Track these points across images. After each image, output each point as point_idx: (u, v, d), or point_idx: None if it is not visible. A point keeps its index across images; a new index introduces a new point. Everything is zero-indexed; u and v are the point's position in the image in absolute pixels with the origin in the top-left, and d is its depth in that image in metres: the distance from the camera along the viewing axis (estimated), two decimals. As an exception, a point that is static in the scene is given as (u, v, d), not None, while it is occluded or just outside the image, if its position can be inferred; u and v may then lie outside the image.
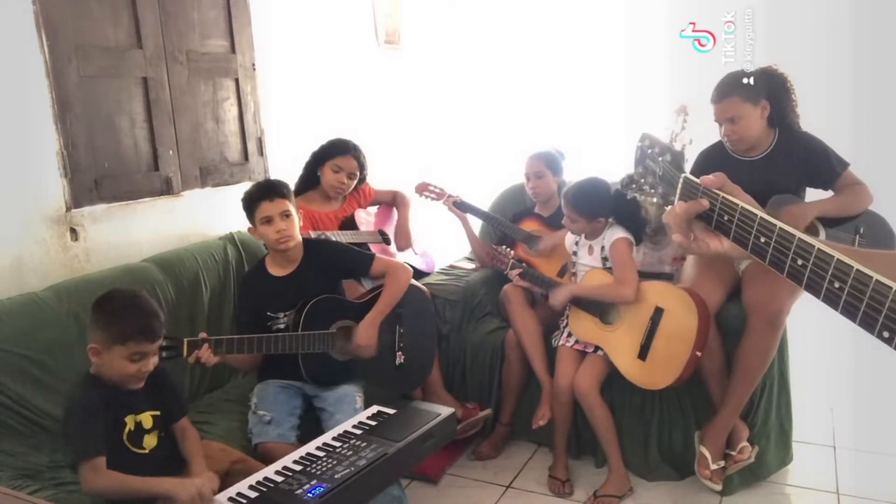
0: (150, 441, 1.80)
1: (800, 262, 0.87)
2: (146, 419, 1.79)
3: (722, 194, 1.00)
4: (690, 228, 1.05)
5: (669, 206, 1.11)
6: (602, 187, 2.55)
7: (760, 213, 0.94)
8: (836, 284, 0.82)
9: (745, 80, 2.39)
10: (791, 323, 2.41)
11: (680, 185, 1.08)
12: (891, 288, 0.77)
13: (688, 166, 1.18)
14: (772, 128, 2.50)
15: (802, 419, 2.68)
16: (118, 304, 1.75)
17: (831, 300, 0.83)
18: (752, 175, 2.49)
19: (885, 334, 0.78)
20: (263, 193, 2.26)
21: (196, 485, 1.63)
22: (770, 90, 2.44)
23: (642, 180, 1.21)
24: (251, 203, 2.27)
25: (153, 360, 1.77)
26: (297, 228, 2.29)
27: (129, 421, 1.76)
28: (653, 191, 1.18)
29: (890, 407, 2.99)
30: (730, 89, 2.40)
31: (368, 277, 2.52)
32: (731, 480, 2.45)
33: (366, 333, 2.29)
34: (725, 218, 0.99)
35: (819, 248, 0.84)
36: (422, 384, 2.74)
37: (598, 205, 2.53)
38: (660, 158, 1.16)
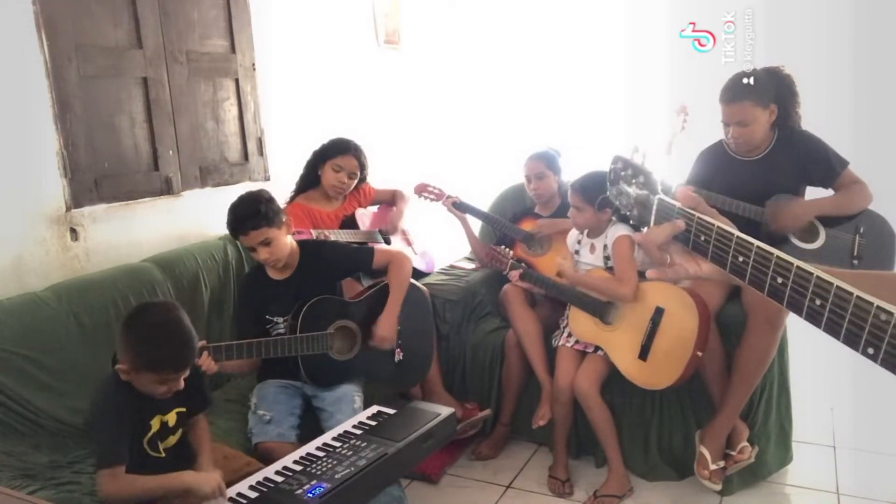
0: (169, 441, 1.78)
1: (780, 280, 0.86)
2: (172, 417, 1.77)
3: (698, 214, 1.00)
4: (667, 251, 1.04)
5: (645, 228, 1.11)
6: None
7: (737, 233, 0.93)
8: (818, 302, 0.81)
9: (745, 81, 2.39)
10: (791, 323, 2.41)
11: (655, 207, 1.07)
12: (872, 304, 0.76)
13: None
14: (772, 128, 2.50)
15: (802, 419, 2.68)
16: (149, 329, 1.64)
17: (813, 318, 0.83)
18: (751, 175, 2.49)
19: (870, 350, 0.77)
20: (236, 230, 2.21)
21: (217, 478, 1.62)
22: (778, 93, 2.44)
23: (617, 202, 1.20)
24: (232, 234, 2.27)
25: (184, 378, 1.71)
26: (282, 246, 2.24)
27: (156, 422, 1.73)
28: (628, 213, 1.17)
29: (890, 407, 2.99)
30: (742, 92, 2.39)
31: (371, 271, 2.52)
32: (730, 480, 2.45)
33: (386, 325, 2.32)
34: (702, 238, 0.98)
35: (798, 266, 0.84)
36: (421, 381, 2.74)
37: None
38: (633, 181, 1.14)
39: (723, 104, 2.45)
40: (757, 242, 0.89)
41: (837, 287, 0.79)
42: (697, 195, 1.04)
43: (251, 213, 2.18)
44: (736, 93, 2.41)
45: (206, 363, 1.96)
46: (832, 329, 0.80)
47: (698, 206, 1.03)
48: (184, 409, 1.80)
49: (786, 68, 2.49)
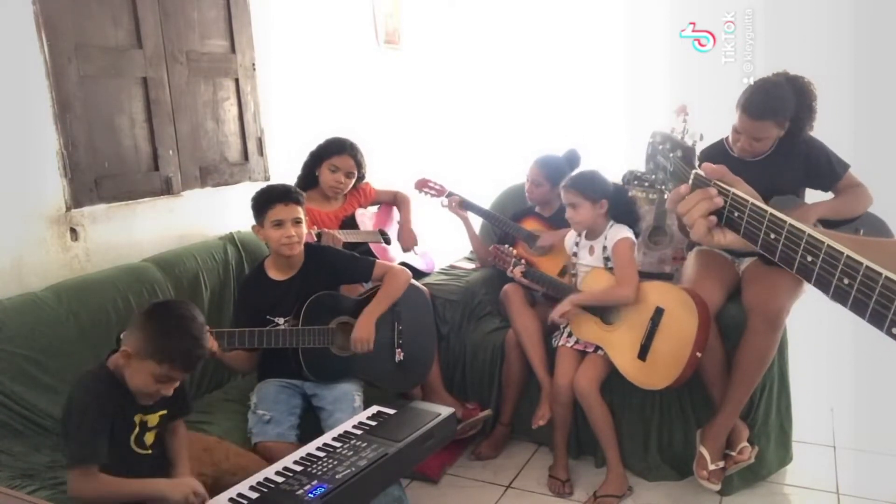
0: (149, 438, 1.76)
1: (809, 258, 0.87)
2: (153, 419, 1.75)
3: (733, 190, 1.01)
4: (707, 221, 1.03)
5: (670, 192, 1.12)
6: (600, 174, 2.58)
7: (770, 210, 0.94)
8: (846, 281, 0.82)
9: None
10: (791, 323, 2.41)
11: (691, 182, 1.09)
12: None
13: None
14: None
15: (802, 419, 2.68)
16: (173, 321, 1.64)
17: (840, 297, 0.83)
18: (753, 176, 2.46)
19: (895, 330, 0.78)
20: (280, 196, 2.24)
21: (189, 485, 1.59)
22: (797, 111, 2.42)
23: (653, 177, 1.21)
24: (265, 203, 2.24)
25: (174, 387, 1.69)
26: (304, 235, 2.29)
27: (137, 419, 1.72)
28: (662, 187, 1.19)
29: (890, 407, 2.99)
30: (769, 113, 2.37)
31: (370, 282, 2.52)
32: (730, 480, 2.45)
33: (364, 328, 2.29)
34: (735, 214, 0.99)
35: (829, 245, 0.84)
36: (421, 382, 2.74)
37: (601, 187, 2.53)
38: (671, 154, 1.16)
39: (745, 116, 2.40)
40: (790, 220, 0.90)
41: (867, 267, 0.79)
42: (722, 166, 1.05)
43: (296, 190, 2.29)
44: (764, 112, 2.38)
45: (211, 343, 1.95)
46: (858, 308, 0.81)
47: (724, 176, 1.04)
48: (165, 412, 1.77)
49: (811, 84, 2.44)
